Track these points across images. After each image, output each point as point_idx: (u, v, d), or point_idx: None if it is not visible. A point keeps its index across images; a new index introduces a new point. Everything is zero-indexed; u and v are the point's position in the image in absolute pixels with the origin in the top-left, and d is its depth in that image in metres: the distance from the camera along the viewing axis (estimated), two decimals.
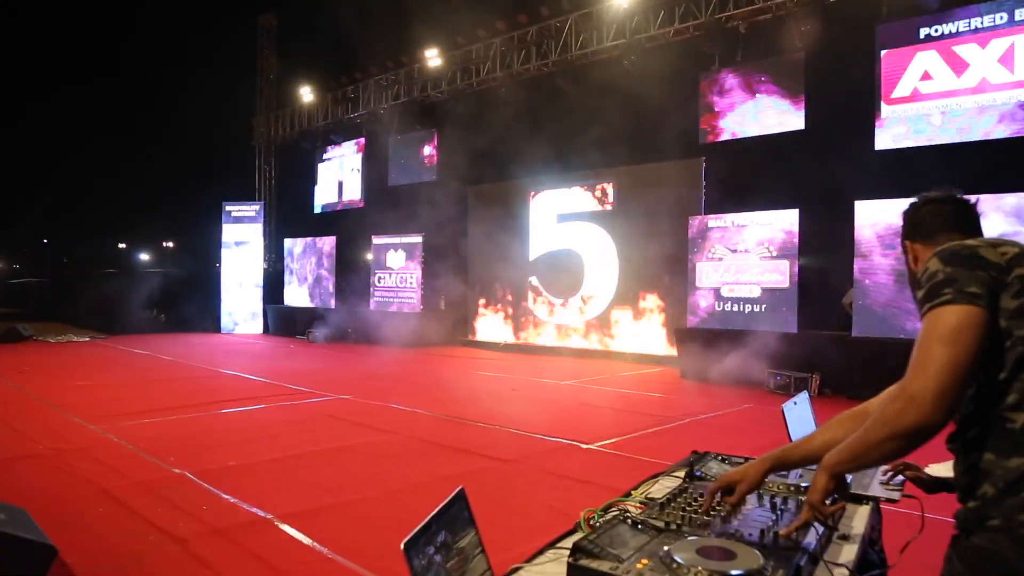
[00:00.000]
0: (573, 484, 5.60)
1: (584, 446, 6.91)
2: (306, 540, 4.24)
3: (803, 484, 1.96)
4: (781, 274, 11.46)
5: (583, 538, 1.47)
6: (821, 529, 1.59)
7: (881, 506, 2.15)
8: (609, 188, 15.44)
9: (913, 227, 1.77)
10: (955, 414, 1.40)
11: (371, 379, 11.96)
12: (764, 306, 11.63)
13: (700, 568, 1.36)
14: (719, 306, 12.19)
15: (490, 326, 17.76)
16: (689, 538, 1.53)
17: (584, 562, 1.41)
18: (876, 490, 2.12)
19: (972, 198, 1.74)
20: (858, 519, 1.93)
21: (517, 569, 1.50)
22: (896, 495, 2.09)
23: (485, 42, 16.86)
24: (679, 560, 1.39)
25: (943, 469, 1.92)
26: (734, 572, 1.36)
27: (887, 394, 1.74)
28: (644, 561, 1.41)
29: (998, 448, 1.40)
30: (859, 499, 2.06)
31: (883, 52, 11.10)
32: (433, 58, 17.84)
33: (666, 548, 1.45)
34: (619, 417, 8.60)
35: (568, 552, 1.44)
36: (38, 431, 7.25)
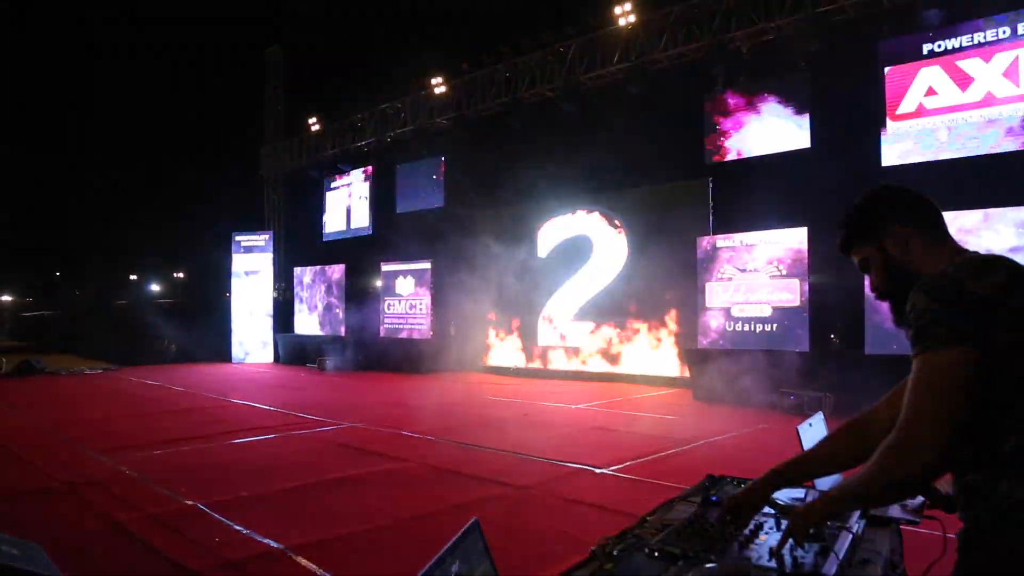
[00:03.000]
0: (587, 510, 5.54)
1: (598, 471, 6.85)
2: (320, 571, 4.21)
3: None
4: (791, 293, 11.42)
5: (600, 568, 1.46)
6: (842, 555, 1.57)
7: (901, 528, 2.11)
8: (617, 210, 15.47)
9: (898, 213, 1.63)
10: (954, 457, 1.38)
11: (382, 406, 11.93)
12: (775, 325, 11.57)
13: None
14: (730, 326, 12.14)
15: (501, 351, 17.72)
16: (707, 565, 1.51)
17: None
18: (896, 512, 2.08)
19: None
20: (879, 542, 1.90)
21: None
22: (916, 517, 2.05)
23: (489, 68, 17.02)
24: None
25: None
26: None
27: (884, 444, 1.46)
28: None
29: (988, 470, 1.39)
30: (879, 522, 2.03)
31: (887, 69, 11.14)
32: (439, 85, 18.02)
33: None
34: (632, 440, 8.53)
35: None
36: (51, 464, 7.25)
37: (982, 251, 1.58)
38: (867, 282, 1.73)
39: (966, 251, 1.57)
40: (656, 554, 1.59)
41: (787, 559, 1.54)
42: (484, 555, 1.42)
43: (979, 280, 1.40)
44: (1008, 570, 1.34)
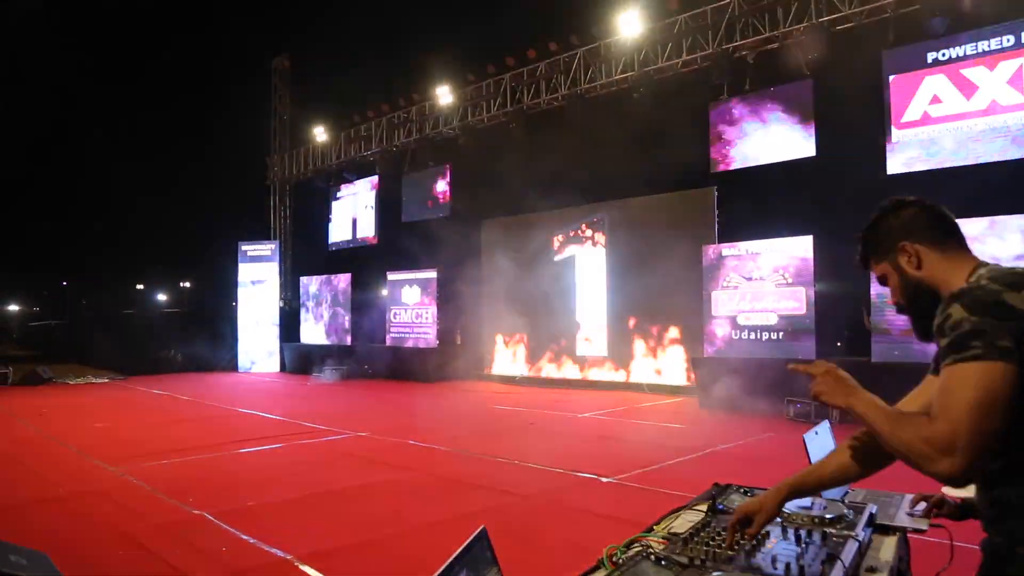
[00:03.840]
0: (594, 519, 5.53)
1: (604, 480, 6.84)
2: None
3: (827, 516, 1.93)
4: (797, 301, 11.40)
5: None
6: (849, 563, 1.57)
7: (908, 536, 2.11)
8: (623, 219, 15.48)
9: (907, 229, 1.61)
10: (979, 469, 1.36)
11: (388, 415, 11.93)
12: (781, 333, 11.55)
13: None
14: (736, 334, 12.11)
15: (506, 360, 17.71)
16: (714, 574, 1.52)
17: None
18: (903, 520, 2.08)
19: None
20: (885, 550, 1.90)
21: None
22: (924, 525, 2.05)
23: (495, 78, 17.08)
24: None
25: (962, 491, 1.88)
26: None
27: (922, 431, 1.41)
28: None
29: (1022, 484, 1.38)
30: (886, 530, 2.03)
31: (891, 77, 11.14)
32: (444, 95, 18.08)
33: None
34: (638, 449, 8.52)
35: None
36: (58, 474, 7.28)
37: (988, 258, 1.57)
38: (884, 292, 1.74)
39: (982, 261, 1.55)
40: (663, 562, 1.59)
41: (793, 568, 1.54)
42: (492, 563, 1.43)
43: (1016, 293, 1.37)
44: None
